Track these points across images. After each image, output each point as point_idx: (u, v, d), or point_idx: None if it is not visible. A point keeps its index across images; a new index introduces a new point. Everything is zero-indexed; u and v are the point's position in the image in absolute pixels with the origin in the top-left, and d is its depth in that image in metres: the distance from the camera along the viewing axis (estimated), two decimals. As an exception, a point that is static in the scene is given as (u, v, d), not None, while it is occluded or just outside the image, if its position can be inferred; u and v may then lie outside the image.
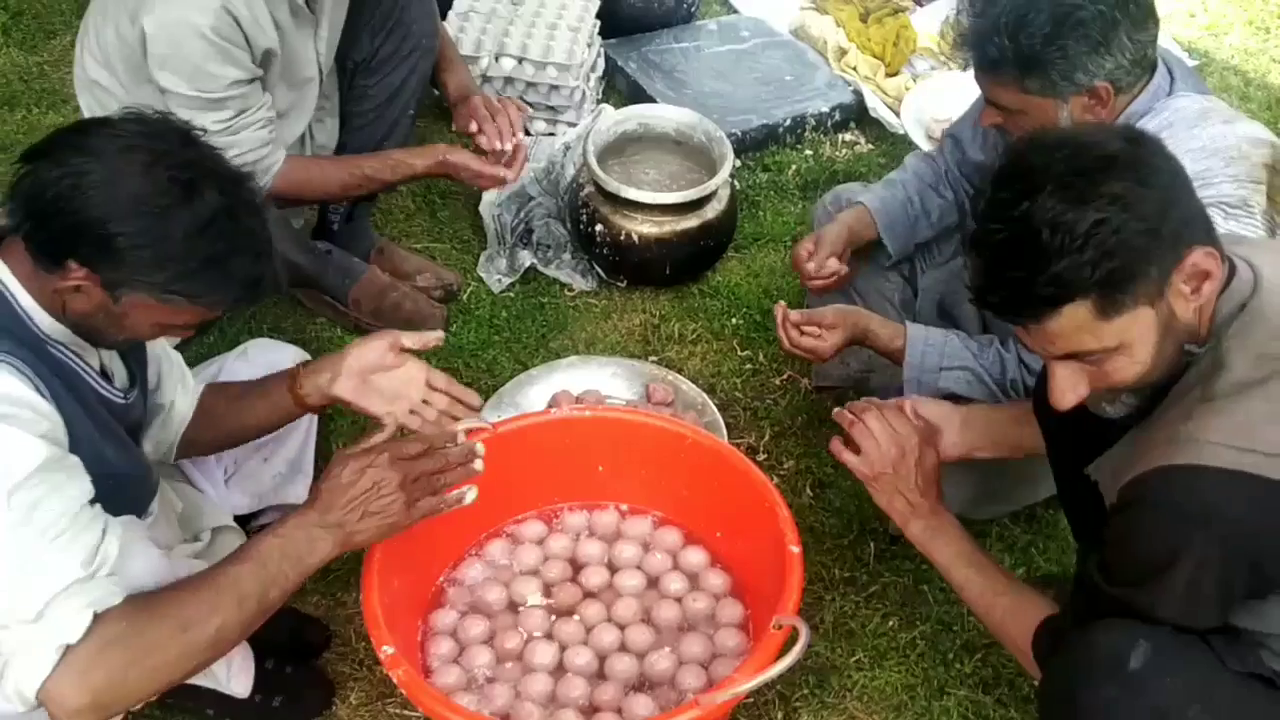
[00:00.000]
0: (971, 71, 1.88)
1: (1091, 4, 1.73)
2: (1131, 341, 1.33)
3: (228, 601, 1.38)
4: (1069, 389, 1.38)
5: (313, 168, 2.32)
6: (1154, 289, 1.31)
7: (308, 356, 1.96)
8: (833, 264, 2.20)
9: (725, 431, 2.28)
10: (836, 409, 1.85)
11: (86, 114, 2.22)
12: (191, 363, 1.88)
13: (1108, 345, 1.32)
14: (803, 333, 2.08)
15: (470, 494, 1.63)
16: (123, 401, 1.57)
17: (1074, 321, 1.31)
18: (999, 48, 1.77)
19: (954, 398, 2.01)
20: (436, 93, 2.61)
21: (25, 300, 1.42)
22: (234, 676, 1.71)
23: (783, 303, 2.15)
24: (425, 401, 1.78)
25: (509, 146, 2.37)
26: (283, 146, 2.23)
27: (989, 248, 1.33)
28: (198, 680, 1.62)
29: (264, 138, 2.15)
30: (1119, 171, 1.28)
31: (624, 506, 2.06)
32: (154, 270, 1.38)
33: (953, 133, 2.28)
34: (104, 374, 1.54)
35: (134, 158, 1.37)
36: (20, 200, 1.38)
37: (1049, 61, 1.75)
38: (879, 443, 1.75)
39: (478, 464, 1.64)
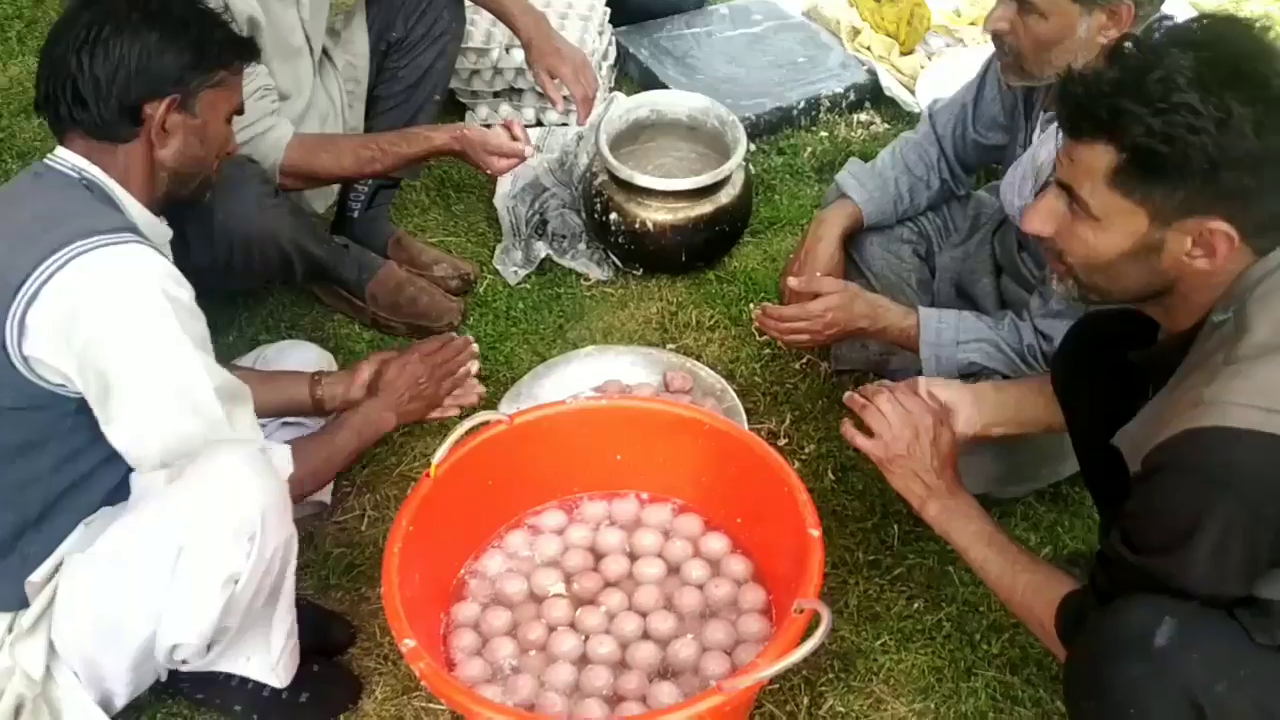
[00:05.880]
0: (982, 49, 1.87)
1: None
2: (1109, 226, 1.36)
3: (336, 454, 1.92)
4: (1039, 219, 1.45)
5: (325, 141, 2.34)
6: (1165, 209, 1.33)
7: (331, 358, 2.28)
8: (827, 283, 2.16)
9: (745, 417, 2.27)
10: (848, 393, 1.83)
11: None
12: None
13: (1093, 208, 1.36)
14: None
15: (474, 365, 2.11)
16: None
17: (1091, 160, 1.35)
18: None
19: (973, 375, 2.00)
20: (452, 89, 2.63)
21: (130, 204, 1.69)
22: (281, 663, 1.76)
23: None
24: None
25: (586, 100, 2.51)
26: (289, 122, 2.25)
27: (1116, 54, 1.35)
28: (242, 670, 1.75)
29: (266, 107, 2.17)
30: (1256, 102, 1.28)
31: (644, 494, 2.06)
32: (188, 51, 1.68)
33: (964, 100, 2.25)
34: None
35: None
36: (76, 102, 1.65)
37: None
38: (891, 424, 1.73)
39: (474, 346, 2.12)
